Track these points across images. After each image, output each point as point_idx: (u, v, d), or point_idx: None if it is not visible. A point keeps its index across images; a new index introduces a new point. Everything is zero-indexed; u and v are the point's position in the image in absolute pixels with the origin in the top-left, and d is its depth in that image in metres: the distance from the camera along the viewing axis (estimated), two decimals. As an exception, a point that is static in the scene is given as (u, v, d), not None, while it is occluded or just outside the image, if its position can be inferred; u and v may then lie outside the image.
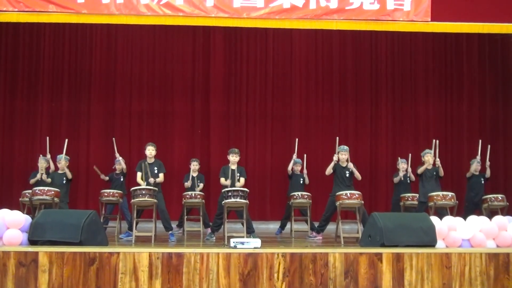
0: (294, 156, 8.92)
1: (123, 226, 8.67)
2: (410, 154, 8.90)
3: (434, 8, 7.95)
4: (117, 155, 8.75)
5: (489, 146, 8.92)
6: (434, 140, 8.25)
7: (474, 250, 5.74)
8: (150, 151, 7.86)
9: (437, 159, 8.09)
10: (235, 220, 8.06)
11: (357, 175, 7.90)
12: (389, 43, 11.31)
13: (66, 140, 8.31)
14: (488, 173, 8.85)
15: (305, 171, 9.05)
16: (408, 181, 8.97)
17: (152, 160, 7.89)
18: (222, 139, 10.89)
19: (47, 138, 8.49)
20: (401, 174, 8.89)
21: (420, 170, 8.14)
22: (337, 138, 8.11)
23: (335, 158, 7.89)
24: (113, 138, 8.79)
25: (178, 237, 8.22)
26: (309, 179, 9.22)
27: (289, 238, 8.58)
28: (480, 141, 8.96)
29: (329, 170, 7.92)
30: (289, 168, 8.88)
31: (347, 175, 7.88)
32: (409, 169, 8.83)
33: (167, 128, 10.99)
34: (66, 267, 5.24)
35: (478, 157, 8.88)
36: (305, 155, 9.15)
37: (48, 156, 8.38)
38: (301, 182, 9.01)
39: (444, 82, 11.40)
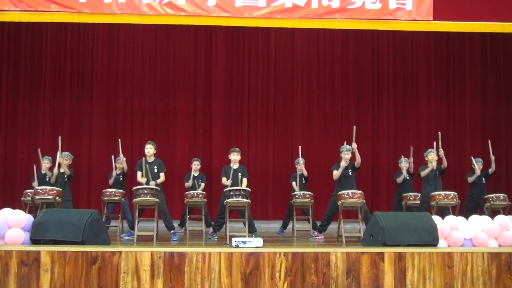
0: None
1: (124, 226, 8.67)
2: (411, 147, 8.85)
3: (436, 7, 7.95)
4: (121, 155, 8.71)
5: (489, 142, 8.97)
6: (439, 133, 8.20)
7: (476, 250, 5.73)
8: (148, 149, 7.85)
9: (441, 150, 8.04)
10: (237, 219, 8.05)
11: (358, 157, 7.79)
12: (391, 42, 11.31)
13: (60, 138, 8.20)
14: (493, 166, 8.83)
15: (304, 171, 9.04)
16: (409, 178, 8.92)
17: (152, 159, 7.88)
18: (224, 139, 10.89)
19: (59, 137, 8.27)
20: (404, 172, 8.83)
21: (424, 173, 8.10)
22: (354, 127, 7.91)
23: (342, 163, 7.84)
24: (119, 140, 8.73)
25: (180, 237, 8.23)
26: (310, 178, 9.24)
27: (291, 237, 8.58)
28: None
29: (358, 159, 7.83)
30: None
31: (350, 173, 7.88)
32: (411, 159, 8.79)
33: (169, 128, 11.00)
34: (68, 267, 5.25)
35: (493, 158, 8.88)
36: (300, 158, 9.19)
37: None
38: (304, 182, 9.01)
39: (446, 81, 11.39)
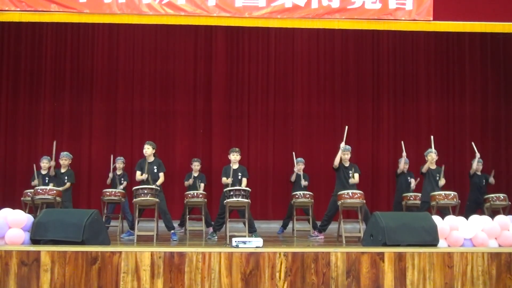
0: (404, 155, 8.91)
1: (124, 226, 8.68)
2: (402, 142, 8.96)
3: (436, 7, 7.95)
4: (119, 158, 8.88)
5: (473, 143, 9.00)
6: (443, 166, 8.20)
7: (476, 250, 5.74)
8: (145, 149, 7.83)
9: (442, 180, 8.07)
10: (237, 219, 8.06)
11: (356, 178, 7.92)
12: (391, 42, 11.30)
13: (55, 142, 8.18)
14: (492, 180, 8.96)
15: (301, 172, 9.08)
16: (409, 180, 8.95)
17: (151, 159, 7.87)
18: (224, 139, 10.89)
19: (54, 142, 8.26)
20: (401, 166, 8.90)
21: (424, 168, 8.13)
22: (346, 127, 8.04)
23: (341, 145, 7.89)
24: (111, 155, 8.96)
25: (180, 236, 8.23)
26: (310, 178, 9.25)
27: (291, 237, 8.58)
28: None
29: (337, 160, 7.87)
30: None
31: (350, 174, 7.89)
32: (404, 154, 8.86)
33: (169, 128, 11.00)
34: (68, 267, 5.25)
35: (478, 156, 8.88)
36: (293, 156, 9.26)
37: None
38: (304, 183, 9.02)
39: (446, 81, 11.39)
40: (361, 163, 8.76)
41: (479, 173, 9.00)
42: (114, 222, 8.85)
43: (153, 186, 7.52)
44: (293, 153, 9.40)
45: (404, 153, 8.88)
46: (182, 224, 8.99)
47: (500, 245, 6.12)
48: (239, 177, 7.79)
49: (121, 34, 11.00)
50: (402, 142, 8.97)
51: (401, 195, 8.92)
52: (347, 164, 7.94)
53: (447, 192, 7.85)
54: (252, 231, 7.67)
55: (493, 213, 8.15)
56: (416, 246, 5.68)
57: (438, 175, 8.09)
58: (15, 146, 10.79)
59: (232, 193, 7.42)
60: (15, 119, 10.85)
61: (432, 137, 8.30)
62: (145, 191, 7.42)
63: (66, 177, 8.18)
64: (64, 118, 10.88)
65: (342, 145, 7.92)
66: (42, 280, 5.22)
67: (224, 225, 7.70)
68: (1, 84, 10.91)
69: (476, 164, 8.93)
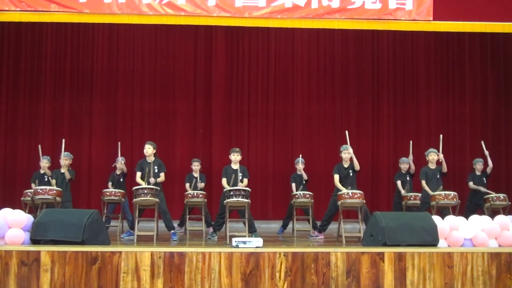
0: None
1: (124, 226, 8.68)
2: (411, 141, 8.96)
3: (436, 7, 7.96)
4: (119, 157, 8.80)
5: (482, 142, 8.99)
6: (440, 136, 8.23)
7: (476, 250, 5.73)
8: (146, 149, 7.84)
9: (441, 155, 8.08)
10: (237, 219, 8.06)
11: (356, 162, 7.83)
12: (391, 42, 11.30)
13: (63, 140, 8.26)
14: (489, 163, 8.85)
15: (304, 175, 9.07)
16: (409, 179, 8.96)
17: (152, 159, 7.88)
18: (224, 139, 10.89)
19: (63, 140, 8.38)
20: (405, 170, 8.89)
21: (423, 184, 8.12)
22: (347, 132, 8.03)
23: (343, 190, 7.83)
24: (119, 143, 8.81)
25: (180, 236, 8.23)
26: (311, 178, 9.25)
27: (291, 237, 8.58)
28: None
29: (338, 186, 7.85)
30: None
31: (350, 174, 7.88)
32: (411, 157, 8.85)
33: (169, 128, 11.00)
34: (68, 267, 5.25)
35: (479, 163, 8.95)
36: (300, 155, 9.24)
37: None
38: (304, 182, 9.02)
39: (446, 81, 11.39)
40: (361, 163, 8.72)
41: (478, 173, 9.00)
42: (114, 222, 8.84)
43: (153, 186, 7.53)
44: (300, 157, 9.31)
45: (411, 156, 8.87)
46: (182, 224, 8.99)
47: (500, 245, 6.13)
48: (240, 177, 7.78)
49: (121, 34, 11.00)
50: (411, 143, 8.97)
51: (401, 195, 8.91)
52: (346, 164, 7.93)
53: (447, 192, 7.86)
54: (252, 231, 7.67)
55: (493, 213, 8.15)
56: (416, 246, 5.68)
57: (438, 173, 8.09)
58: (15, 146, 10.78)
59: (232, 193, 7.42)
60: (15, 119, 10.85)
61: (441, 136, 8.29)
62: (145, 191, 7.43)
63: (65, 177, 8.18)
64: (64, 118, 10.88)
65: (351, 150, 7.85)
66: (42, 280, 5.22)
67: (224, 225, 7.70)
68: (1, 84, 10.91)
69: (479, 166, 8.96)
